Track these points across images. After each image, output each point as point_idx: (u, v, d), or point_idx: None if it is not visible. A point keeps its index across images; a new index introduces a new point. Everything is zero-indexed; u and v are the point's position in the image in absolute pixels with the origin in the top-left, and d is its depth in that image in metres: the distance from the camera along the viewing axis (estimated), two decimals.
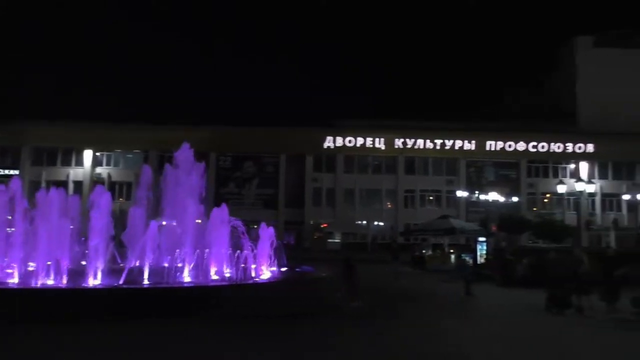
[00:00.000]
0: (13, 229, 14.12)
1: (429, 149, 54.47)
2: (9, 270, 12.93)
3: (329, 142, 53.70)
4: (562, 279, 14.08)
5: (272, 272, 15.33)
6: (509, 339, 10.65)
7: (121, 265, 15.26)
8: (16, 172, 46.24)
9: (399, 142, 54.02)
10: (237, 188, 53.67)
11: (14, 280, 12.38)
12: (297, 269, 16.79)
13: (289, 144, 52.88)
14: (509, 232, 46.19)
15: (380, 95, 70.20)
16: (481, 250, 27.55)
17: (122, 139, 52.04)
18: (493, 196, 41.80)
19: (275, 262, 15.96)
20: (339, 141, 53.69)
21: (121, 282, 12.02)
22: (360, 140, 53.83)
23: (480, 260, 26.94)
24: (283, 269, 16.38)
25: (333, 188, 53.87)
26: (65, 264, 12.44)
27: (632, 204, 49.80)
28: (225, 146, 52.89)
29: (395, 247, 24.79)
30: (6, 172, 48.65)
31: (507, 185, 53.23)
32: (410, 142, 54.12)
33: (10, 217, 14.48)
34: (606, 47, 58.32)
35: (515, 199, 50.72)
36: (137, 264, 13.87)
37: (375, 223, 54.06)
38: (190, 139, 19.29)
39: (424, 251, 33.26)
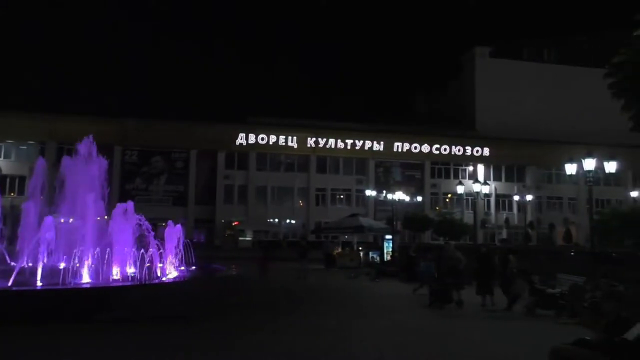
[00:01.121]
0: None
1: (340, 149, 55.61)
2: None
3: (241, 139, 53.07)
4: (443, 274, 15.06)
5: (179, 271, 14.84)
6: (390, 329, 11.27)
7: (12, 264, 14.05)
8: None
9: (311, 141, 54.62)
10: (144, 184, 51.42)
11: None
12: (206, 268, 16.41)
13: (201, 140, 51.50)
14: (413, 230, 48.53)
15: (294, 94, 70.64)
16: (387, 247, 28.62)
17: (15, 128, 47.65)
18: (399, 195, 43.56)
19: (184, 261, 15.48)
20: (252, 138, 53.24)
21: (10, 283, 11.04)
22: (273, 138, 53.77)
23: (387, 257, 27.99)
24: (192, 268, 15.93)
25: (245, 185, 53.35)
26: None
27: (521, 204, 54.27)
28: (132, 140, 50.40)
29: (304, 244, 24.95)
30: None
31: (413, 185, 55.81)
32: (322, 142, 54.92)
33: None
34: (501, 57, 63.22)
35: (419, 198, 53.36)
36: (30, 264, 12.84)
37: (287, 221, 54.33)
38: (94, 131, 18.13)
39: (333, 249, 33.91)
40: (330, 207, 54.76)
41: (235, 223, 51.75)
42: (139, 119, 50.18)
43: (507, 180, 59.24)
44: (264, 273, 21.00)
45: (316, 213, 54.20)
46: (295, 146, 54.52)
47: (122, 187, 48.44)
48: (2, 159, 49.05)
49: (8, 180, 46.22)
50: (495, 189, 54.93)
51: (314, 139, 54.64)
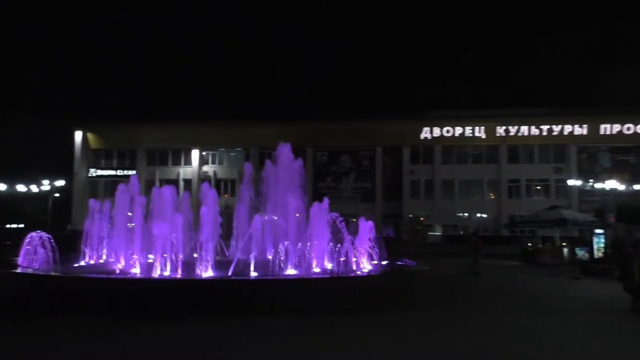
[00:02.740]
0: (133, 224, 15.43)
1: (534, 136, 51.41)
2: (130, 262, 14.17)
3: (425, 134, 52.56)
4: None
5: (373, 265, 15.31)
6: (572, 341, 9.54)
7: (228, 257, 16.13)
8: (133, 172, 50.38)
9: (500, 130, 51.59)
10: (334, 182, 54.35)
11: (136, 270, 13.52)
12: (398, 262, 16.63)
13: (385, 137, 52.53)
14: (630, 223, 42.21)
15: (468, 86, 67.46)
16: (598, 243, 25.42)
17: (224, 137, 54.74)
18: (611, 184, 38.31)
19: (376, 255, 15.92)
20: (436, 132, 52.36)
21: (230, 273, 12.64)
22: (458, 130, 52.13)
23: (598, 254, 24.90)
24: (383, 263, 16.30)
25: (431, 180, 52.72)
26: (179, 257, 13.33)
27: None
28: (321, 141, 53.66)
29: (474, 239, 23.58)
30: (125, 172, 53.38)
31: (626, 171, 48.72)
32: (513, 130, 51.48)
33: (130, 214, 15.84)
34: None
35: (636, 186, 46.25)
36: (243, 256, 14.54)
37: (477, 215, 52.14)
38: (287, 135, 19.88)
39: (529, 244, 31.41)
40: (526, 199, 50.95)
41: (423, 218, 51.48)
42: (327, 122, 53.28)
43: None
44: (475, 258, 20.90)
45: (509, 206, 50.96)
46: (484, 136, 52.02)
47: (314, 186, 51.92)
48: (216, 164, 56.65)
49: (222, 183, 53.43)
50: None
51: (503, 127, 51.49)
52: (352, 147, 53.91)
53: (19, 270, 13.09)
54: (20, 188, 59.25)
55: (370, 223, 15.84)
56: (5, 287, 12.50)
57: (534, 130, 51.33)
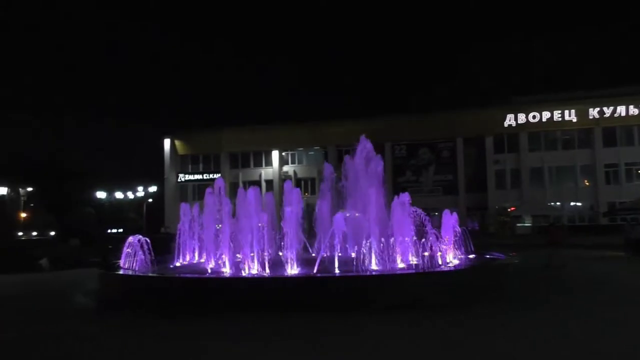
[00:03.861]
0: (220, 225, 16.11)
1: (633, 116, 47.54)
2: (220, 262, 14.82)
3: (509, 121, 50.29)
4: None
5: (459, 259, 14.92)
6: None
7: (312, 255, 16.39)
8: (218, 175, 52.74)
9: (594, 112, 48.25)
10: (414, 176, 53.49)
11: (226, 270, 14.11)
12: (486, 256, 16.08)
13: (466, 127, 50.93)
14: None
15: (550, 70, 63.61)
16: None
17: (301, 137, 55.84)
18: None
19: (462, 249, 15.51)
20: (521, 118, 49.94)
21: (315, 270, 12.83)
22: (546, 115, 49.39)
23: None
24: (470, 256, 15.84)
25: (517, 169, 50.36)
26: (266, 255, 13.72)
27: None
28: (399, 135, 53.01)
29: (554, 229, 21.77)
30: (211, 176, 55.98)
31: None
32: (608, 111, 47.92)
33: (218, 217, 16.56)
34: None
35: None
36: (327, 253, 14.71)
37: (571, 204, 49.11)
38: (365, 132, 19.75)
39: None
40: (626, 184, 47.29)
41: (511, 209, 49.28)
42: (404, 115, 52.56)
43: None
44: (555, 250, 19.50)
45: (607, 193, 47.55)
46: (575, 120, 48.89)
47: (394, 180, 51.42)
48: (296, 164, 57.79)
49: (302, 182, 54.45)
50: None
51: (597, 109, 48.09)
52: (431, 139, 52.75)
53: (121, 272, 14.10)
54: (118, 195, 64.02)
55: (455, 216, 15.45)
56: (112, 288, 13.55)
57: (633, 110, 47.44)
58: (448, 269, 13.33)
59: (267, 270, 13.08)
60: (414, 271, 12.64)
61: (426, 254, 13.70)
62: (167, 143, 59.50)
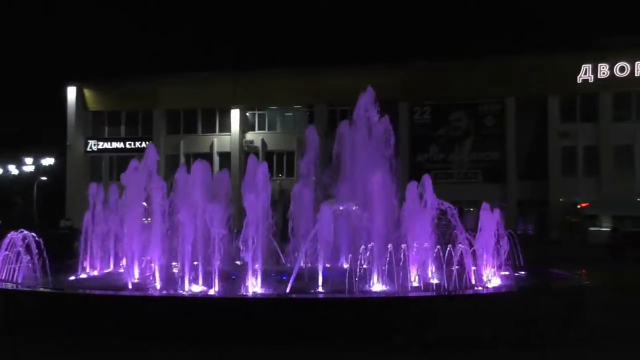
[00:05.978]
0: (149, 219, 16.02)
1: None
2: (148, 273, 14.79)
3: (585, 74, 50.56)
4: None
5: (502, 277, 15.07)
6: None
7: (287, 266, 16.42)
8: (149, 142, 52.05)
9: None
10: (442, 153, 53.78)
11: (156, 285, 14.10)
12: (542, 272, 16.26)
13: (521, 82, 50.98)
14: None
15: None
16: None
17: (276, 91, 55.41)
18: None
19: (507, 262, 15.64)
20: (604, 70, 50.24)
21: (287, 290, 12.87)
22: None
23: None
24: (519, 273, 16.01)
25: (595, 146, 50.80)
26: (215, 265, 13.71)
27: None
28: (421, 92, 53.00)
29: (618, 240, 22.48)
30: (138, 144, 55.52)
31: None
32: None
33: (145, 204, 16.44)
34: None
35: None
36: (309, 264, 14.73)
37: None
38: (372, 84, 19.72)
39: None
40: None
41: (583, 205, 49.78)
42: (429, 63, 52.39)
43: None
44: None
45: None
46: None
47: (412, 158, 51.64)
48: (266, 130, 57.46)
49: (275, 157, 54.12)
50: None
51: None
52: (469, 99, 52.90)
53: None
54: None
55: (497, 213, 15.55)
56: None
57: None
58: (487, 291, 13.48)
59: (215, 288, 13.11)
60: (433, 294, 12.77)
61: (456, 267, 13.82)
62: (71, 93, 58.86)
